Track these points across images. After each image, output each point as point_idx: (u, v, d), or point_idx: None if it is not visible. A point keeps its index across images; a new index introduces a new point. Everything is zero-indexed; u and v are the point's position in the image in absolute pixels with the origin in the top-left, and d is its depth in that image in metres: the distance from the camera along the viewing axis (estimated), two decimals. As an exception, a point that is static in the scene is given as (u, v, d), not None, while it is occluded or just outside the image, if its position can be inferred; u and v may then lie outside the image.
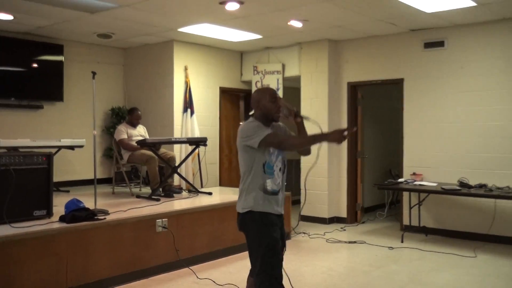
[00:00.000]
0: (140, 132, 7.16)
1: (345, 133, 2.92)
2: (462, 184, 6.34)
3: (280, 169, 3.26)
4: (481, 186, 6.27)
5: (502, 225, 6.50)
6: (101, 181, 7.85)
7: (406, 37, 7.42)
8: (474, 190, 6.16)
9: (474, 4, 5.77)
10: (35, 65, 7.68)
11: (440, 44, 7.10)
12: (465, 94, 6.89)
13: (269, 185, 3.16)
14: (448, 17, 6.52)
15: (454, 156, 6.97)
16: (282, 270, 3.13)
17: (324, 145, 7.76)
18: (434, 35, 7.15)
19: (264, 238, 3.10)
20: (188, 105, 8.13)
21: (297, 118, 3.26)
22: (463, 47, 6.92)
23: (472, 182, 6.40)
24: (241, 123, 9.35)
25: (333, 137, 3.02)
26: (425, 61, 7.26)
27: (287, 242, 3.51)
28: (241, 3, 5.73)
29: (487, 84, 6.71)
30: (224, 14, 6.29)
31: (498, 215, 6.48)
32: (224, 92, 9.09)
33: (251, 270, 3.35)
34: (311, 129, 3.27)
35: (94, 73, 5.63)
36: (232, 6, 5.83)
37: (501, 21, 6.56)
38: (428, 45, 7.21)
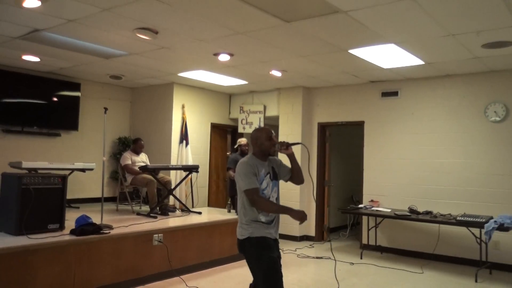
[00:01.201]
0: (142, 159, 7.14)
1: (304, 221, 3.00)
2: (412, 211, 6.36)
3: (276, 199, 3.25)
4: (427, 212, 6.30)
5: (445, 246, 6.52)
6: (107, 200, 7.75)
7: (367, 87, 7.54)
8: (422, 216, 6.17)
9: (422, 62, 5.93)
10: (55, 99, 7.65)
11: (395, 94, 7.23)
12: (414, 136, 6.99)
13: (263, 217, 3.12)
14: (402, 72, 6.66)
15: (405, 187, 7.01)
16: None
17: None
18: (389, 86, 7.28)
19: (263, 259, 3.05)
20: (184, 137, 8.15)
21: (289, 150, 3.24)
22: (413, 97, 7.06)
23: (420, 209, 6.42)
24: (228, 153, 9.34)
25: (297, 215, 3.01)
26: (382, 107, 7.37)
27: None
28: (231, 55, 5.83)
29: (433, 128, 6.82)
30: (216, 64, 6.37)
31: (441, 237, 6.51)
32: (214, 127, 9.13)
33: (251, 285, 3.33)
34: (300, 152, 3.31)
35: (106, 109, 5.66)
36: (223, 58, 5.92)
37: (444, 77, 6.73)
38: (385, 94, 7.34)
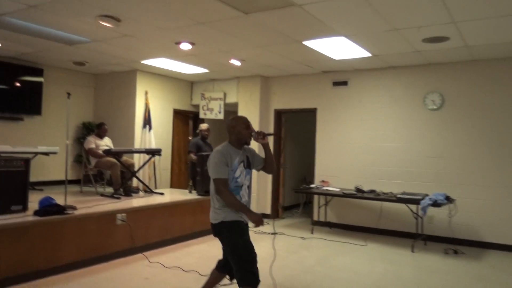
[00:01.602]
0: (106, 143, 6.96)
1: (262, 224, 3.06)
2: (358, 190, 6.56)
3: (248, 187, 3.20)
4: (372, 191, 6.52)
5: (386, 221, 6.80)
6: (72, 182, 7.53)
7: (320, 76, 7.65)
8: (366, 195, 6.37)
9: (369, 55, 6.08)
10: (18, 84, 7.29)
11: (345, 83, 7.38)
12: (362, 122, 7.19)
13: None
14: (351, 63, 6.79)
15: (353, 168, 7.21)
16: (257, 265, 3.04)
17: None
18: (340, 76, 7.42)
19: (238, 242, 3.01)
20: (147, 122, 8.01)
21: (265, 140, 3.13)
22: (361, 86, 7.23)
23: (366, 188, 6.64)
24: (189, 138, 9.25)
25: (254, 218, 3.03)
26: (333, 95, 7.50)
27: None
28: (192, 44, 5.75)
29: (378, 115, 7.04)
30: (178, 52, 6.28)
31: (383, 213, 6.77)
32: (177, 113, 9.01)
33: (218, 265, 3.30)
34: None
35: (69, 94, 5.45)
36: (185, 46, 5.83)
37: (389, 68, 6.94)
38: (336, 83, 7.47)
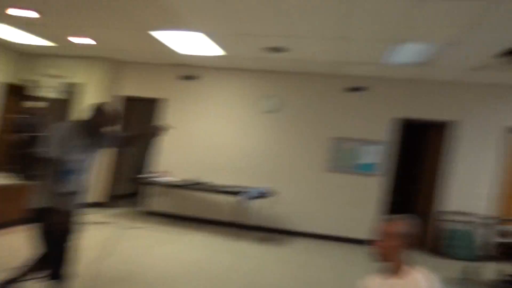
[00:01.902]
0: None
1: None
2: (192, 182, 6.80)
3: (85, 170, 3.08)
4: (201, 183, 6.82)
5: (213, 211, 7.29)
6: None
7: (171, 68, 7.67)
8: (198, 186, 6.68)
9: (219, 53, 6.40)
10: None
11: (194, 78, 7.58)
12: (206, 117, 7.51)
13: (63, 188, 2.88)
14: (201, 60, 7.06)
15: (193, 161, 7.45)
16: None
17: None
18: (191, 71, 7.59)
19: (54, 230, 2.88)
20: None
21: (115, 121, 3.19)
22: (209, 83, 7.55)
23: (202, 180, 6.98)
24: (17, 116, 8.15)
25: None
26: (183, 89, 7.64)
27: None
28: (39, 13, 5.26)
29: (221, 112, 7.47)
30: (20, 18, 5.64)
31: (210, 204, 7.26)
32: (10, 87, 7.99)
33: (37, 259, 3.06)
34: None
35: None
36: (28, 14, 5.30)
37: (235, 70, 7.41)
38: (186, 77, 7.62)
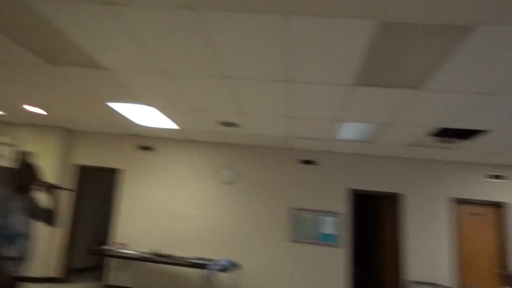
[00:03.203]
0: None
1: None
2: (155, 254, 6.46)
3: (27, 236, 2.89)
4: (168, 256, 6.47)
5: (179, 285, 6.74)
6: None
7: (127, 139, 7.53)
8: (163, 259, 6.25)
9: (177, 127, 6.33)
10: None
11: (152, 149, 7.42)
12: (164, 188, 7.24)
13: (7, 252, 2.73)
14: (159, 132, 6.94)
15: (153, 232, 7.07)
16: None
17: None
18: (148, 142, 7.46)
19: None
20: None
21: (53, 192, 3.08)
22: (167, 154, 7.39)
23: (164, 252, 6.65)
24: None
25: None
26: (140, 158, 7.43)
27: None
28: (-14, 82, 5.03)
29: (180, 182, 7.23)
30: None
31: (176, 277, 6.75)
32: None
33: None
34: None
35: None
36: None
37: (192, 142, 7.34)
38: (143, 148, 7.45)
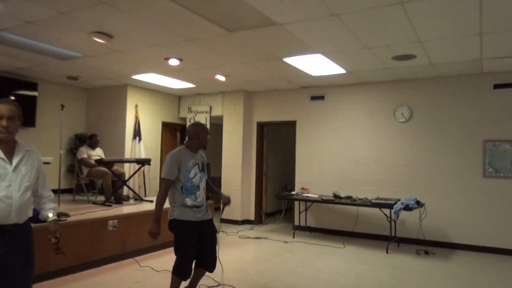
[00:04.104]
0: (98, 153, 6.86)
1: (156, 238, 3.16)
2: (335, 196, 6.60)
3: (204, 188, 3.33)
4: (348, 197, 6.56)
5: (362, 225, 6.84)
6: (64, 191, 7.33)
7: (299, 91, 7.71)
8: (343, 200, 6.42)
9: (344, 71, 6.17)
10: (13, 97, 7.13)
11: (322, 97, 7.46)
12: (338, 133, 7.25)
13: (189, 202, 3.18)
14: (327, 79, 6.87)
15: (330, 176, 7.26)
16: (192, 263, 3.25)
17: (239, 166, 7.86)
18: (317, 91, 7.50)
19: (180, 240, 3.18)
20: (137, 133, 7.92)
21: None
22: (337, 100, 7.31)
23: (343, 194, 6.69)
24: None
25: (150, 229, 3.14)
26: (311, 109, 7.57)
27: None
28: (180, 60, 5.73)
29: (352, 127, 7.12)
30: (167, 67, 6.25)
31: (359, 217, 6.83)
32: (165, 125, 8.95)
33: (196, 262, 3.33)
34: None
35: (62, 106, 5.41)
36: (173, 62, 5.80)
37: (362, 84, 7.05)
38: (314, 98, 7.55)
